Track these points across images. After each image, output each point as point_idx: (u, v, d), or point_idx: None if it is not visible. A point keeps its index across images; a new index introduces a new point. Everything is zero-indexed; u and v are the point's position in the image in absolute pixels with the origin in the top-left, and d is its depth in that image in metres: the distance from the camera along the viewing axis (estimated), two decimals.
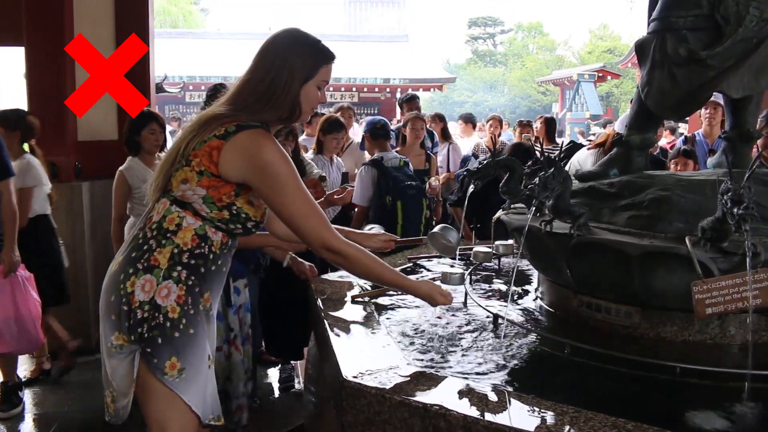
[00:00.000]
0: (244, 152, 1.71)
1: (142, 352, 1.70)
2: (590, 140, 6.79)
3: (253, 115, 1.76)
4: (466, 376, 1.67)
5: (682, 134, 7.20)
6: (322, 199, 3.65)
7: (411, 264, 2.89)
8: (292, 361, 3.87)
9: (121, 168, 3.65)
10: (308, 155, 4.35)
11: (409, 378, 1.57)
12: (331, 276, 2.67)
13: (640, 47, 2.32)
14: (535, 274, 2.52)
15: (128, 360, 1.73)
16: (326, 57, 1.83)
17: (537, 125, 6.24)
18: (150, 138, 3.67)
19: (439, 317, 2.16)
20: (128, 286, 1.71)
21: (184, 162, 1.76)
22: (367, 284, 2.45)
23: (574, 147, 4.77)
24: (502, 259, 2.87)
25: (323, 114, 6.12)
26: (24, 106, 4.26)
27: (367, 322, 2.05)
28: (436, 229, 2.43)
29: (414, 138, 4.83)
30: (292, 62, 1.78)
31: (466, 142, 7.31)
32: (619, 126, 4.45)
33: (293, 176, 1.72)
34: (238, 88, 1.81)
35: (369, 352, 1.77)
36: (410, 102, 5.91)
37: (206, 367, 1.77)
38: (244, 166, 1.71)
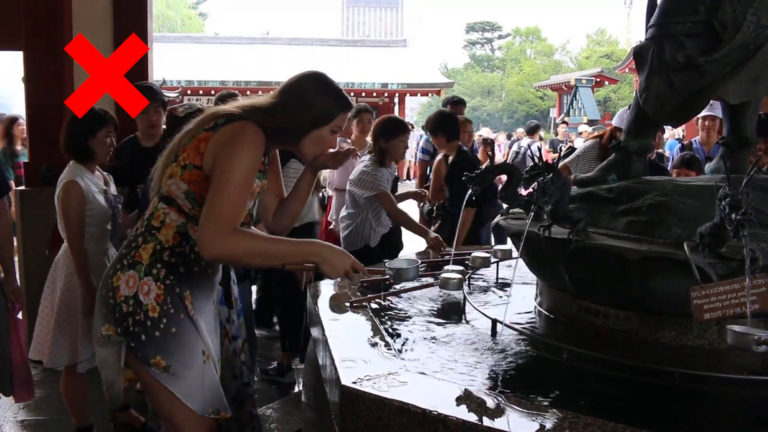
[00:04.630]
0: (226, 137, 1.73)
1: (128, 346, 1.77)
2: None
3: (253, 117, 1.79)
4: (464, 381, 1.67)
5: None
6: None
7: None
8: (293, 366, 3.89)
9: (71, 177, 2.95)
10: (363, 163, 3.78)
11: (407, 383, 1.57)
12: (329, 281, 2.66)
13: (638, 53, 2.33)
14: (533, 279, 2.52)
15: (116, 350, 1.81)
16: (346, 105, 1.91)
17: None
18: (106, 143, 3.07)
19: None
20: (114, 281, 1.78)
21: (173, 158, 1.82)
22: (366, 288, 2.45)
23: (572, 152, 4.80)
24: (500, 264, 2.87)
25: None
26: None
27: (366, 327, 2.05)
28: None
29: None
30: (313, 104, 1.84)
31: None
32: (616, 121, 4.48)
33: (248, 164, 1.70)
34: (253, 102, 1.85)
35: (368, 358, 1.77)
36: (456, 105, 5.49)
37: (200, 362, 1.82)
38: (219, 150, 1.72)
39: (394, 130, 3.73)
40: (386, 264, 2.28)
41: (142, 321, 1.74)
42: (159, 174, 1.85)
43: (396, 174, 4.21)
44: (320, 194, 5.78)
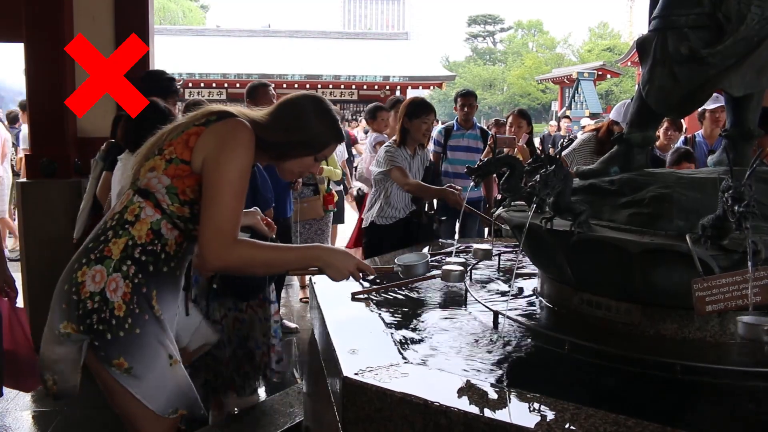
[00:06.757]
0: (218, 134, 1.72)
1: (90, 344, 1.70)
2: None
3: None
4: (466, 373, 1.67)
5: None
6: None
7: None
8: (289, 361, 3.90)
9: None
10: (385, 146, 3.85)
11: (409, 375, 1.57)
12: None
13: (641, 45, 2.32)
14: (535, 271, 2.52)
15: (75, 348, 1.72)
16: (339, 136, 1.89)
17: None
18: None
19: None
20: (79, 276, 1.71)
21: (156, 151, 1.78)
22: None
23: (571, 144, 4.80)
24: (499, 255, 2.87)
25: (382, 108, 5.61)
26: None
27: (368, 319, 2.05)
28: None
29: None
30: (309, 126, 1.82)
31: None
32: (614, 115, 4.46)
33: (243, 170, 1.70)
34: (248, 113, 1.83)
35: (369, 349, 1.77)
36: (466, 97, 5.44)
37: (165, 365, 1.76)
38: (211, 147, 1.70)
39: (417, 111, 3.74)
40: (395, 260, 2.26)
41: (108, 319, 1.68)
42: (138, 166, 1.82)
43: (430, 164, 4.06)
44: (354, 191, 5.79)
